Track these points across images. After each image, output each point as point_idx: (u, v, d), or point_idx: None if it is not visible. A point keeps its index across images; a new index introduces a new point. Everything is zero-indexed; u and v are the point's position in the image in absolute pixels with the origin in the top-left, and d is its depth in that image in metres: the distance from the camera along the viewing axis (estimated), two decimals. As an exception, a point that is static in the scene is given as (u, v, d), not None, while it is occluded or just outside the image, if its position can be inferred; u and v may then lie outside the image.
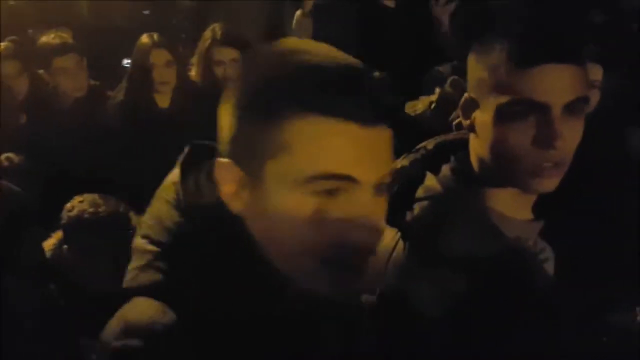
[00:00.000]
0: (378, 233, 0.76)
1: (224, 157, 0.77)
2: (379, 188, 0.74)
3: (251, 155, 0.74)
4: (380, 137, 0.74)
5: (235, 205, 0.76)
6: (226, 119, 0.77)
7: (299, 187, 0.72)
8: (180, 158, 0.83)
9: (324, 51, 0.76)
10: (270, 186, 0.74)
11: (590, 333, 1.04)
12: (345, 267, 0.74)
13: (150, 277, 0.76)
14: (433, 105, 2.63)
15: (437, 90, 2.60)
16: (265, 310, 0.75)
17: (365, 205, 0.73)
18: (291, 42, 0.78)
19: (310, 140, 0.72)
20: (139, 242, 0.80)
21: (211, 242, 0.76)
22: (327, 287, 0.75)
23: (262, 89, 0.74)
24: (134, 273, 0.78)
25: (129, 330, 0.74)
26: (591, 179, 1.14)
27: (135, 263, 0.79)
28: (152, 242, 0.78)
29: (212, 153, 0.80)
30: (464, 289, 0.97)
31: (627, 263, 1.10)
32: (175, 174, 0.82)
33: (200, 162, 0.82)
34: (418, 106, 2.67)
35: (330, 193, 0.72)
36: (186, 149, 0.84)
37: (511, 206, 1.05)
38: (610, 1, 3.27)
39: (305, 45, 0.77)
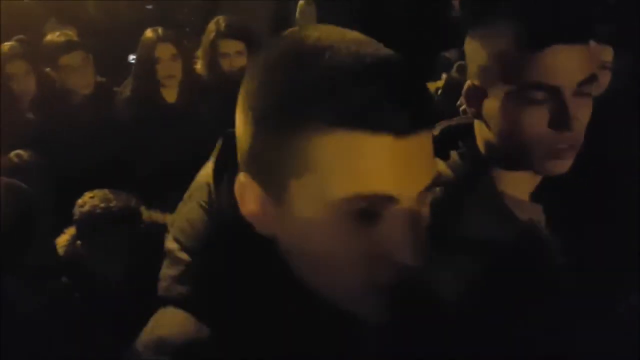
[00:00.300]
0: (423, 249, 0.65)
1: (243, 168, 0.68)
2: (420, 199, 0.65)
3: (271, 172, 0.65)
4: (420, 144, 0.64)
5: (260, 227, 0.69)
6: (241, 126, 0.68)
7: (330, 209, 0.63)
8: (215, 153, 0.75)
9: (352, 47, 0.63)
10: (297, 208, 0.65)
11: (603, 316, 1.04)
12: (389, 288, 0.66)
13: (184, 289, 0.70)
14: (440, 91, 2.61)
15: (444, 75, 2.58)
16: (303, 331, 0.69)
17: (410, 220, 0.64)
18: (307, 35, 0.65)
19: (340, 157, 0.62)
20: (171, 245, 0.73)
21: (245, 258, 0.69)
22: (371, 309, 0.67)
23: (279, 98, 0.63)
24: (168, 282, 0.72)
25: (162, 347, 0.69)
26: (603, 161, 1.13)
27: (169, 270, 0.72)
28: (185, 249, 0.72)
29: (228, 149, 0.73)
30: (483, 274, 0.97)
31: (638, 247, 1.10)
32: (208, 172, 0.74)
33: (227, 160, 0.73)
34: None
35: (367, 212, 0.63)
36: (219, 142, 0.75)
37: (521, 189, 1.05)
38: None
39: (324, 39, 0.64)
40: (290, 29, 0.69)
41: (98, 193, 2.03)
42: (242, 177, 0.68)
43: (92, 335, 1.85)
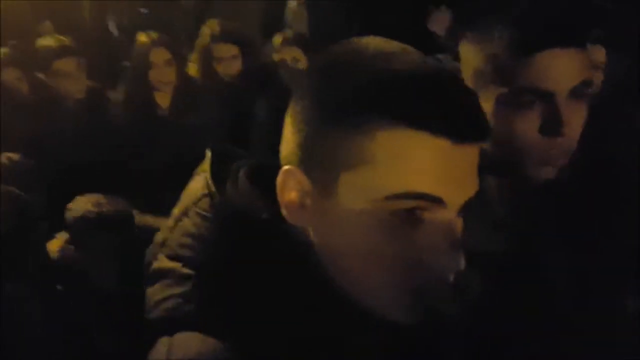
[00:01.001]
0: (461, 258, 0.66)
1: (285, 165, 0.69)
2: (461, 210, 0.67)
3: (325, 164, 0.66)
4: (470, 155, 0.66)
5: (297, 218, 0.68)
6: (294, 125, 0.68)
7: (377, 204, 0.64)
8: (206, 165, 0.74)
9: (411, 56, 0.67)
10: (343, 200, 0.65)
11: (604, 317, 1.03)
12: (430, 295, 0.66)
13: (193, 307, 0.67)
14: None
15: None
16: (338, 344, 0.67)
17: (451, 229, 0.66)
18: (367, 43, 0.69)
19: (397, 154, 0.63)
20: (170, 264, 0.70)
21: (268, 264, 0.67)
22: (411, 317, 0.67)
23: (344, 94, 0.65)
24: (172, 302, 0.68)
25: None
26: (598, 162, 1.13)
27: (171, 290, 0.68)
28: (190, 264, 0.68)
29: (233, 156, 0.73)
30: (480, 286, 0.96)
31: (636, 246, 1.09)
32: (200, 184, 0.72)
33: (228, 167, 0.73)
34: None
35: (412, 214, 0.65)
36: (207, 154, 0.75)
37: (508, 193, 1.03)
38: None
39: (384, 47, 0.68)
40: (345, 40, 0.71)
41: (91, 197, 2.02)
42: (289, 167, 0.68)
43: (87, 340, 1.84)
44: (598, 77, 2.34)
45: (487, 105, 0.99)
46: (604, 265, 1.05)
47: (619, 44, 2.48)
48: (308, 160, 0.67)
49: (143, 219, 2.04)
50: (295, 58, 3.05)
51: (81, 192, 2.06)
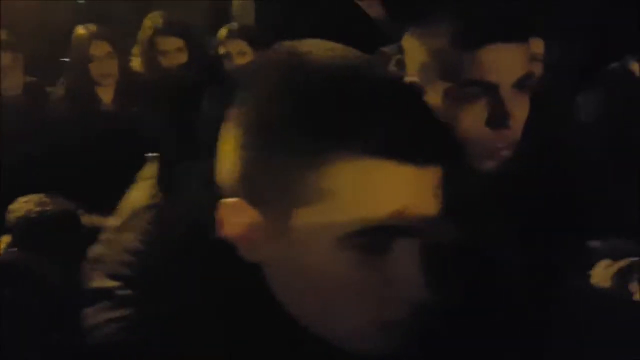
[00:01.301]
0: (436, 283, 0.62)
1: (226, 191, 0.62)
2: (433, 229, 0.63)
3: (274, 199, 0.60)
4: (435, 177, 0.62)
5: (251, 254, 0.62)
6: (232, 149, 0.61)
7: (340, 240, 0.59)
8: (149, 171, 0.68)
9: (361, 69, 0.61)
10: (301, 238, 0.60)
11: (546, 298, 1.06)
12: (397, 325, 0.62)
13: (133, 334, 0.61)
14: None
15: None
16: None
17: (419, 255, 0.62)
18: (314, 52, 0.62)
19: (359, 186, 0.58)
20: (105, 283, 0.63)
21: (217, 289, 0.62)
22: (376, 348, 0.63)
23: (293, 121, 0.59)
24: (109, 328, 0.61)
25: None
26: (541, 151, 1.16)
27: (107, 314, 0.62)
28: (129, 285, 0.63)
29: (180, 161, 0.67)
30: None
31: (576, 228, 1.13)
32: (143, 193, 0.66)
33: (173, 174, 0.67)
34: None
35: (379, 245, 0.60)
36: (151, 159, 0.69)
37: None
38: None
39: (334, 59, 0.61)
40: (285, 43, 0.65)
41: (33, 198, 1.96)
42: (231, 201, 0.61)
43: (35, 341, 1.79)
44: (538, 68, 2.41)
45: (435, 99, 1.01)
46: (550, 255, 1.08)
47: (556, 34, 2.55)
48: (252, 191, 0.61)
49: (90, 218, 2.00)
50: (241, 51, 3.03)
51: (22, 192, 2.00)
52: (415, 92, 0.66)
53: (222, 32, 3.10)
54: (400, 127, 0.59)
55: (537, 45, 2.44)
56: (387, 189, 0.59)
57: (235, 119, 0.62)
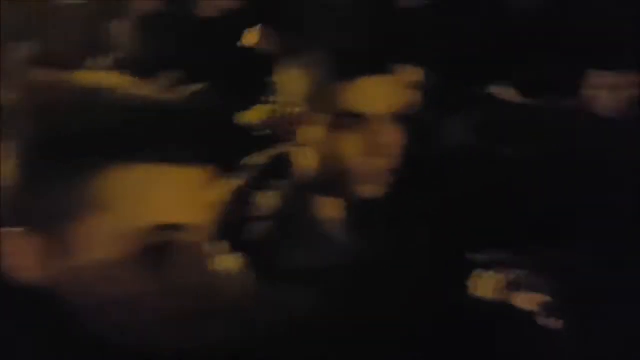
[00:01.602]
0: (206, 287, 0.64)
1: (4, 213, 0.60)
2: (211, 231, 0.65)
3: (49, 216, 0.60)
4: (204, 176, 0.64)
5: (35, 277, 0.61)
6: (4, 165, 0.61)
7: (123, 247, 0.60)
8: None
9: (130, 84, 0.64)
10: (85, 252, 0.60)
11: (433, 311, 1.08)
12: (190, 318, 0.63)
13: None
14: (268, 116, 2.63)
15: (269, 100, 2.61)
16: None
17: (198, 249, 0.63)
18: (87, 76, 0.65)
19: (127, 192, 0.60)
20: None
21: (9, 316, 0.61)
22: (169, 344, 0.63)
23: (58, 134, 0.60)
24: None
25: None
26: (421, 172, 1.19)
27: None
28: None
29: None
30: (308, 303, 0.97)
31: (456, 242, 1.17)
32: None
33: None
34: (252, 116, 2.67)
35: (160, 245, 0.61)
36: None
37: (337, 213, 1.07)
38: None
39: (105, 80, 0.64)
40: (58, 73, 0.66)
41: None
42: (12, 231, 0.60)
43: None
44: (417, 97, 2.49)
45: (313, 129, 1.02)
46: (434, 270, 1.11)
47: (432, 61, 2.66)
48: (29, 210, 0.60)
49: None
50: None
51: None
52: (179, 101, 0.67)
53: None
54: (158, 128, 0.61)
55: (417, 74, 2.53)
56: (156, 192, 0.61)
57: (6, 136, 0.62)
